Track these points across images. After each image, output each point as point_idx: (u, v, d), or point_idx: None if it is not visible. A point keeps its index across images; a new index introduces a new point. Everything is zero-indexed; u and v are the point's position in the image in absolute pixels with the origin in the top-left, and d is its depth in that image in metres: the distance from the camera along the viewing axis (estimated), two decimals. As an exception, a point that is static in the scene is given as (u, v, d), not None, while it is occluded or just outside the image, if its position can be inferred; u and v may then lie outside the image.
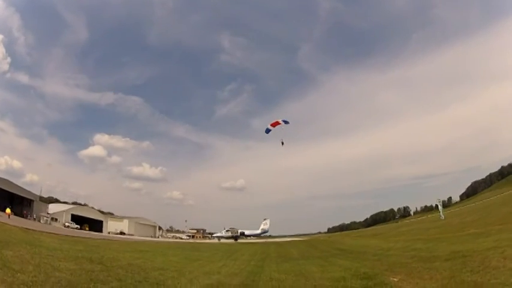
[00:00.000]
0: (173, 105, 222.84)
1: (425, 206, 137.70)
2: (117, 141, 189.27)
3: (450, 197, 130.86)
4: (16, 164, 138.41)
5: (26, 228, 26.43)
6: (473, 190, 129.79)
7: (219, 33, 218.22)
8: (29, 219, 53.08)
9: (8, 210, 39.79)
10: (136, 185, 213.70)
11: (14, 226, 26.13)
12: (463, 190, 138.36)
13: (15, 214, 45.90)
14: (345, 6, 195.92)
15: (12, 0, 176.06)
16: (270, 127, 30.64)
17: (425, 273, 9.67)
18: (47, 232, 28.22)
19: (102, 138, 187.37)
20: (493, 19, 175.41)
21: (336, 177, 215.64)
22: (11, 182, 58.98)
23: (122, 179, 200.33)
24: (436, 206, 70.62)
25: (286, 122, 30.17)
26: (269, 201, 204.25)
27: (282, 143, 30.83)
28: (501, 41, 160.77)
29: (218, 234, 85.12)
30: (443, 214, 58.83)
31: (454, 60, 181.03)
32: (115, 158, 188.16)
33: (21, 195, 60.41)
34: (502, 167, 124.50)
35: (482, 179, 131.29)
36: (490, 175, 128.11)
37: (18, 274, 8.02)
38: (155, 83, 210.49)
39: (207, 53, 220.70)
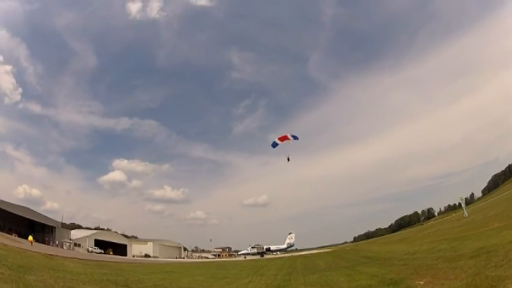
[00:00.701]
0: (189, 125, 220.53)
1: (449, 205, 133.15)
2: (137, 165, 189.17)
3: (472, 193, 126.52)
4: (35, 192, 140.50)
5: (49, 254, 26.90)
6: (495, 183, 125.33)
7: (227, 49, 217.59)
8: (52, 245, 53.82)
9: (30, 238, 40.70)
10: (159, 207, 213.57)
11: (37, 252, 26.59)
12: (484, 185, 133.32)
13: (37, 241, 46.80)
14: (347, 11, 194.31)
15: (17, 31, 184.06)
16: (277, 141, 29.69)
17: (450, 273, 9.63)
18: (70, 257, 28.63)
19: (121, 163, 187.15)
20: (493, 4, 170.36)
21: (354, 183, 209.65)
22: (32, 210, 59.94)
23: (144, 202, 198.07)
24: (460, 204, 69.10)
25: (295, 138, 29.31)
26: (292, 214, 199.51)
27: (288, 159, 30.13)
28: (503, 25, 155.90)
29: (244, 252, 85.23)
30: (466, 211, 57.39)
31: (459, 52, 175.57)
32: (136, 182, 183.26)
33: (42, 222, 61.29)
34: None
35: (502, 171, 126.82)
36: (509, 166, 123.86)
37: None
38: (169, 105, 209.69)
39: (218, 70, 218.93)
